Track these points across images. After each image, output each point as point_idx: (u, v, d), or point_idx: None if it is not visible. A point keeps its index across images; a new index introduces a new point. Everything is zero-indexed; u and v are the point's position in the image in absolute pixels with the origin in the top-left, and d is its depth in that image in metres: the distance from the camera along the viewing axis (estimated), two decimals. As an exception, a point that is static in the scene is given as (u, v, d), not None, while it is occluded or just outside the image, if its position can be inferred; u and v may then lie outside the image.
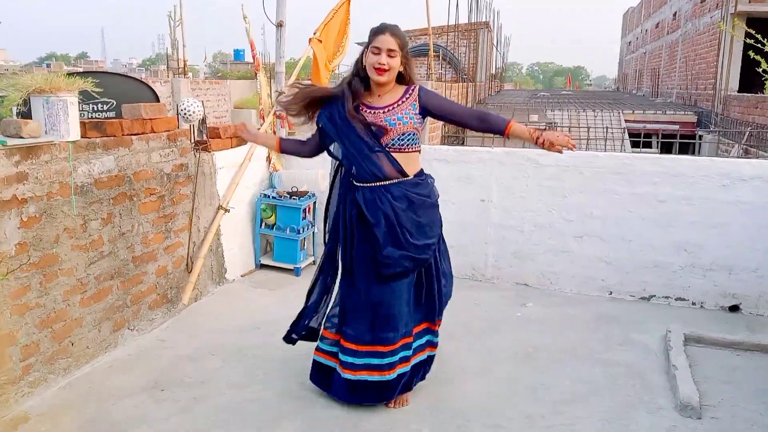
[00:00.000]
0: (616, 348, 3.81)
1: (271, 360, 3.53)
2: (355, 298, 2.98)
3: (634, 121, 11.06)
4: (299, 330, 3.25)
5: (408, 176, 2.87)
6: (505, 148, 4.88)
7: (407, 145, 2.84)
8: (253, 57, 5.41)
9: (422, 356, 3.12)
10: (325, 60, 5.79)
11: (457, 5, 11.15)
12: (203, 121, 4.36)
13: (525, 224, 4.76)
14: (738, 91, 10.88)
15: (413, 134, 2.85)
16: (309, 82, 4.13)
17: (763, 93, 9.22)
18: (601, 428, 2.92)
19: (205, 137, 4.39)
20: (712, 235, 4.38)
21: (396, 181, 2.85)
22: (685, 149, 10.62)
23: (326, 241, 3.22)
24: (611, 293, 4.65)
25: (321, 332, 3.20)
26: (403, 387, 3.02)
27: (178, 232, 4.09)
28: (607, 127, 9.14)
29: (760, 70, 8.74)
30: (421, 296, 3.04)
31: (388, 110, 2.81)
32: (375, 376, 2.94)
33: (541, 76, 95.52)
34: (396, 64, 2.77)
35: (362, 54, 2.82)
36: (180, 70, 14.75)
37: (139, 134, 3.64)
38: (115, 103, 3.86)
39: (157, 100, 4.15)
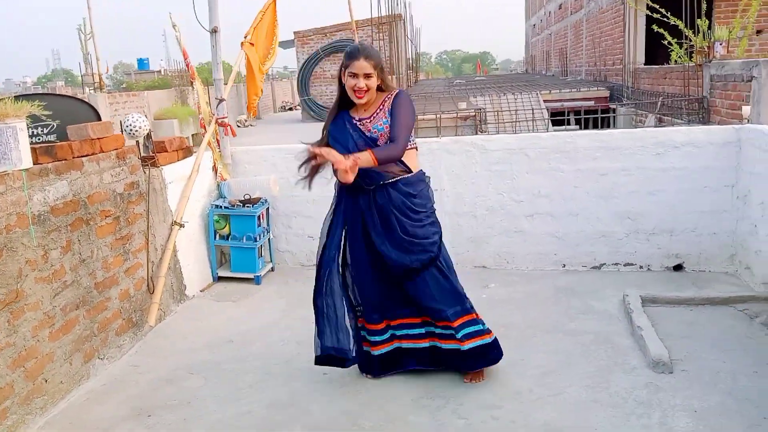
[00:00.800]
0: (580, 317, 4.01)
1: (253, 372, 3.50)
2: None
3: (552, 101, 11.51)
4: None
5: (412, 171, 3.08)
6: (452, 137, 5.01)
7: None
8: (187, 65, 5.28)
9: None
10: (258, 63, 5.73)
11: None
12: (148, 135, 4.23)
13: (478, 209, 4.90)
14: (645, 64, 11.53)
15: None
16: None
17: (669, 64, 9.82)
18: (586, 393, 3.08)
19: (151, 152, 4.26)
20: (652, 201, 4.66)
21: (396, 179, 3.03)
22: (601, 123, 11.17)
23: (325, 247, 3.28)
24: (564, 266, 4.87)
25: (367, 326, 3.25)
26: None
27: (136, 253, 3.96)
28: (533, 109, 9.48)
29: (665, 42, 9.33)
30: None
31: (373, 118, 3.04)
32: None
33: (450, 64, 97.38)
34: (373, 84, 2.98)
35: (340, 73, 3.03)
36: (96, 84, 14.07)
37: (89, 155, 3.50)
38: (55, 125, 3.69)
39: (99, 118, 3.99)
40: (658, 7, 8.75)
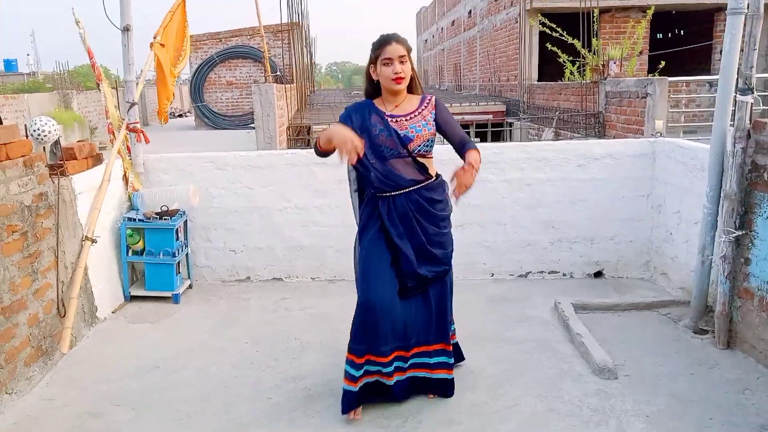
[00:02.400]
0: (517, 325, 4.05)
1: (189, 400, 3.20)
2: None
3: (452, 114, 11.80)
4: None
5: (432, 177, 2.95)
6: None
7: (428, 151, 2.93)
8: (93, 66, 4.82)
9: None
10: (169, 66, 5.37)
11: (280, 6, 10.92)
12: (56, 141, 3.80)
13: (409, 220, 4.85)
14: (538, 81, 12.12)
15: (433, 140, 2.94)
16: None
17: (561, 80, 10.37)
18: (541, 403, 3.09)
19: (59, 160, 3.83)
20: (575, 211, 4.83)
21: (418, 186, 2.89)
22: (497, 136, 11.60)
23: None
24: (493, 275, 4.93)
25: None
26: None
27: (45, 272, 3.53)
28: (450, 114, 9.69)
29: (561, 60, 9.85)
30: None
31: (411, 118, 2.88)
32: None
33: (340, 76, 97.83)
34: (408, 69, 2.83)
35: (368, 70, 2.88)
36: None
37: (-7, 163, 3.07)
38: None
39: (0, 122, 3.53)
40: (555, 26, 9.23)
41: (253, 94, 7.56)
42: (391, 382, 2.94)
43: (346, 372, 2.91)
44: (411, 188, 2.88)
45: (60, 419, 3.03)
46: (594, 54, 8.55)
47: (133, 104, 4.75)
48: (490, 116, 11.75)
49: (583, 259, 4.91)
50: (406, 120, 2.88)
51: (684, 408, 3.00)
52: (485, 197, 4.80)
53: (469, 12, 17.71)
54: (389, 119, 2.87)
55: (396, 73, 2.78)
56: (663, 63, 8.31)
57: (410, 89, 2.94)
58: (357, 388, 2.89)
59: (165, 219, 4.55)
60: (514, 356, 3.60)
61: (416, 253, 2.90)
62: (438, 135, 2.98)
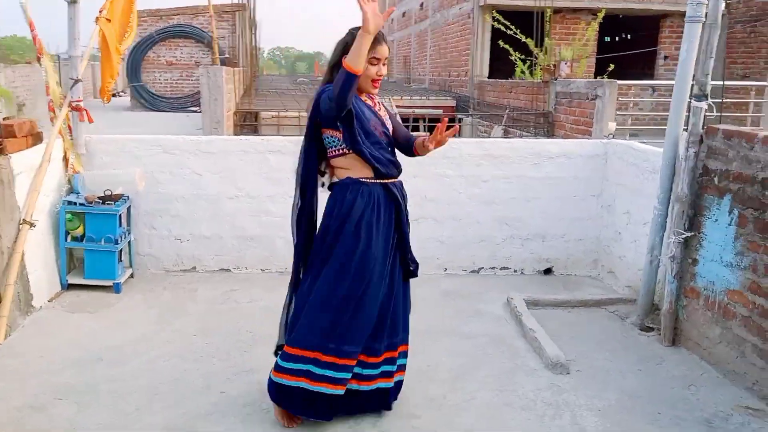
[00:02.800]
0: (472, 320, 4.07)
1: (137, 393, 3.06)
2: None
3: (403, 107, 11.79)
4: None
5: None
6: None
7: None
8: (34, 39, 4.52)
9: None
10: (115, 42, 5.12)
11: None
12: (-6, 117, 3.55)
13: (364, 212, 4.79)
14: (488, 77, 12.26)
15: None
16: None
17: (513, 78, 10.51)
18: (497, 397, 3.11)
19: (-4, 137, 3.59)
20: (528, 208, 4.89)
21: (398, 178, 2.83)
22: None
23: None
24: (446, 270, 4.94)
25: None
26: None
27: (-21, 257, 3.30)
28: (397, 113, 9.64)
29: (512, 58, 9.97)
30: None
31: (379, 111, 2.82)
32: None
33: (283, 62, 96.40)
34: (385, 72, 2.74)
35: (342, 60, 2.51)
36: None
37: (-76, 137, 2.83)
38: None
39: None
40: (509, 24, 9.33)
41: (201, 76, 7.30)
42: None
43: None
44: (398, 178, 2.82)
45: (-5, 415, 2.84)
46: (546, 54, 8.70)
47: (76, 81, 4.50)
48: (441, 111, 11.81)
49: (534, 255, 4.98)
50: (381, 112, 2.82)
51: (633, 403, 3.07)
52: (442, 192, 4.80)
53: (421, 4, 17.74)
54: (372, 107, 2.79)
55: (379, 75, 2.70)
56: (612, 66, 8.53)
57: None
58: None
59: (108, 203, 4.34)
60: (470, 351, 3.62)
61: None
62: None
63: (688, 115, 3.60)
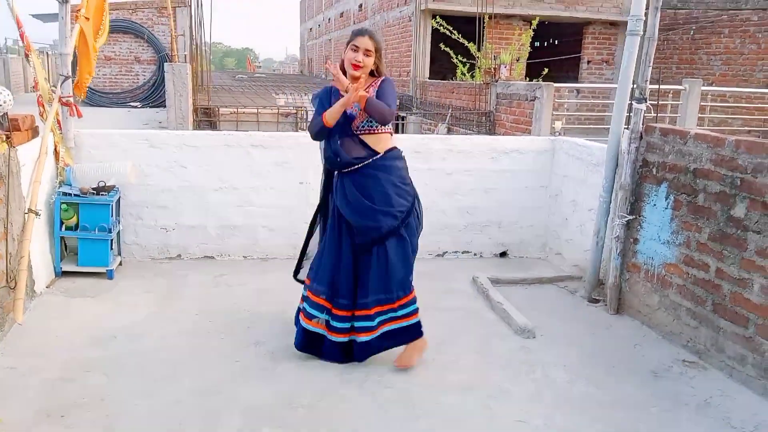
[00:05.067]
0: (446, 296, 4.56)
1: (159, 365, 3.36)
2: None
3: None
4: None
5: (378, 153, 3.27)
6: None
7: (374, 127, 3.25)
8: (21, 36, 4.66)
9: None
10: (92, 40, 5.30)
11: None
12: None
13: (341, 202, 5.20)
14: (429, 78, 12.85)
15: None
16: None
17: (453, 79, 11.12)
18: (479, 358, 3.61)
19: (5, 130, 3.77)
20: (486, 198, 5.44)
21: (363, 164, 3.24)
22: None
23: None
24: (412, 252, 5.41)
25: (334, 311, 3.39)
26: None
27: (-2, 243, 3.50)
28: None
29: (454, 61, 10.57)
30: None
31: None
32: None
33: (211, 57, 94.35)
34: (370, 62, 3.19)
35: (343, 52, 3.22)
36: None
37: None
38: None
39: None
40: (451, 28, 9.91)
41: (166, 72, 7.45)
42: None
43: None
44: (356, 166, 3.25)
45: (31, 385, 3.08)
46: (486, 57, 9.34)
47: (66, 78, 4.68)
48: (384, 109, 12.28)
49: (491, 240, 5.54)
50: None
51: (591, 359, 3.65)
52: (410, 183, 5.27)
53: (360, 6, 18.17)
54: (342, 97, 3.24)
55: (357, 61, 3.18)
56: (546, 69, 9.27)
57: (374, 74, 3.32)
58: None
59: (102, 194, 4.56)
60: (448, 321, 4.10)
61: (360, 211, 3.29)
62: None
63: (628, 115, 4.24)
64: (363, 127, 3.26)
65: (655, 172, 4.02)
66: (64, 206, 4.49)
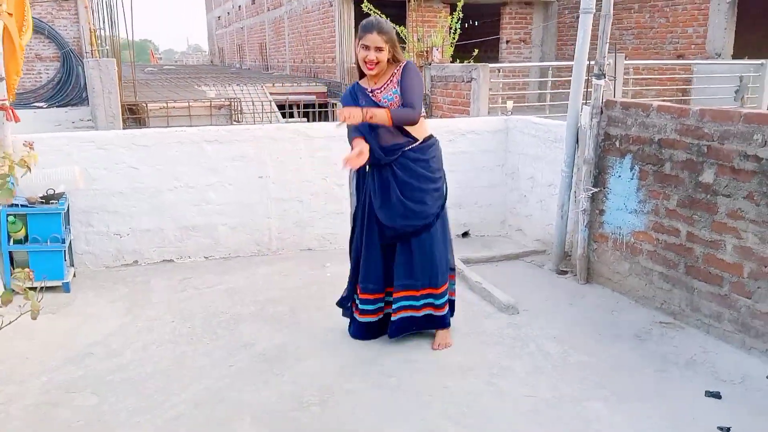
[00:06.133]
0: (421, 282, 4.58)
1: (148, 379, 3.18)
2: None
3: (277, 93, 11.94)
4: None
5: (417, 139, 3.25)
6: (276, 123, 5.08)
7: None
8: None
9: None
10: (18, 38, 4.91)
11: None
12: (-57, 118, 3.39)
13: (303, 194, 5.10)
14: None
15: None
16: None
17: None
18: (472, 338, 3.64)
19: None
20: (448, 180, 5.46)
21: (405, 149, 3.25)
22: (324, 116, 12.06)
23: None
24: (380, 242, 5.40)
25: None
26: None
27: (-47, 264, 3.18)
28: (272, 101, 9.76)
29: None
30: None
31: (384, 88, 3.17)
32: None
33: (108, 49, 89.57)
34: (384, 57, 3.14)
35: (355, 46, 3.20)
36: None
37: None
38: None
39: None
40: (380, 13, 9.85)
41: (92, 69, 6.97)
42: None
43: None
44: (396, 155, 3.23)
45: (17, 416, 2.85)
46: (419, 41, 9.37)
47: (1, 79, 4.30)
48: (313, 96, 12.12)
49: (453, 221, 5.51)
50: (380, 91, 3.23)
51: (576, 328, 3.77)
52: (372, 170, 5.23)
53: (274, -8, 17.76)
54: (371, 94, 3.21)
55: (368, 60, 3.12)
56: (476, 51, 9.42)
57: (396, 60, 3.25)
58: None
59: (52, 203, 4.25)
60: (431, 306, 4.12)
61: (393, 209, 3.27)
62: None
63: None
64: None
65: (618, 145, 4.17)
66: (11, 218, 4.16)
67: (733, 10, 10.99)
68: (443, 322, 3.51)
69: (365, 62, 3.14)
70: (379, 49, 3.13)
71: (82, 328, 3.79)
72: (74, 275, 4.59)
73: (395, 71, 3.24)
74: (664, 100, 11.03)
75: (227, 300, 4.21)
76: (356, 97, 3.26)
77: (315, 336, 3.66)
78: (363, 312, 3.50)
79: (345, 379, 3.20)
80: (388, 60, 3.20)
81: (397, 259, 3.39)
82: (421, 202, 3.36)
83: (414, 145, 3.30)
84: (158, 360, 3.38)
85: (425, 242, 3.41)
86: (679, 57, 11.69)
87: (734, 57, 11.18)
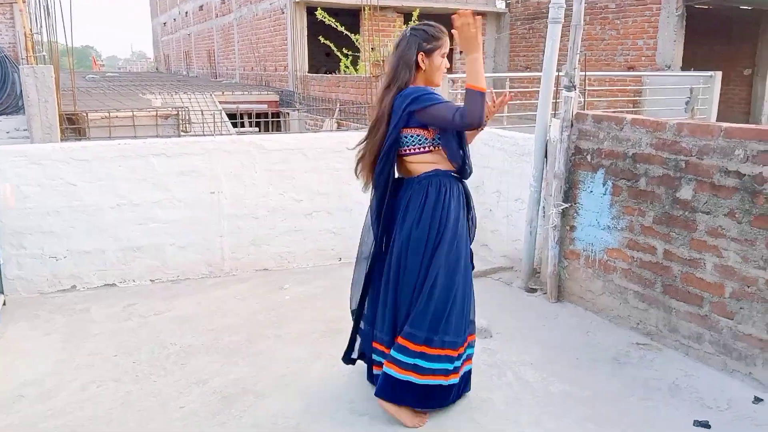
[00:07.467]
0: (386, 304, 4.32)
1: (86, 422, 2.85)
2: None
3: (227, 102, 11.53)
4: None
5: None
6: (229, 136, 4.76)
7: None
8: None
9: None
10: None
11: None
12: None
13: (259, 210, 4.78)
14: (308, 72, 12.45)
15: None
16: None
17: (338, 73, 10.87)
18: (445, 368, 3.41)
19: None
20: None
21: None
22: (275, 125, 11.70)
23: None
24: (341, 259, 5.12)
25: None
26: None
27: None
28: (221, 110, 9.37)
29: (337, 53, 10.30)
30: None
31: None
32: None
33: (45, 56, 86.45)
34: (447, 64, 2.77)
35: (417, 57, 2.70)
36: None
37: None
38: None
39: None
40: (334, 22, 9.63)
41: (27, 77, 6.46)
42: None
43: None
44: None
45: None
46: (374, 50, 9.16)
47: None
48: (265, 105, 11.75)
49: (416, 238, 5.36)
50: None
51: (553, 352, 3.58)
52: (333, 185, 4.96)
53: (222, -1, 17.29)
54: None
55: (447, 67, 2.77)
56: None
57: None
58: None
59: (-23, 224, 3.81)
60: (398, 330, 3.87)
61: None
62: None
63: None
64: None
65: (590, 159, 4.03)
66: (-73, 243, 3.70)
67: (682, 23, 11.21)
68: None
69: (444, 71, 2.76)
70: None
71: (12, 365, 3.38)
72: (4, 303, 4.17)
73: None
74: (614, 112, 11.18)
75: (177, 329, 3.86)
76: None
77: (276, 369, 3.36)
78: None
79: (312, 417, 2.91)
80: None
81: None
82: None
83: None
84: (99, 402, 3.02)
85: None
86: (630, 69, 11.85)
87: (683, 69, 11.41)
